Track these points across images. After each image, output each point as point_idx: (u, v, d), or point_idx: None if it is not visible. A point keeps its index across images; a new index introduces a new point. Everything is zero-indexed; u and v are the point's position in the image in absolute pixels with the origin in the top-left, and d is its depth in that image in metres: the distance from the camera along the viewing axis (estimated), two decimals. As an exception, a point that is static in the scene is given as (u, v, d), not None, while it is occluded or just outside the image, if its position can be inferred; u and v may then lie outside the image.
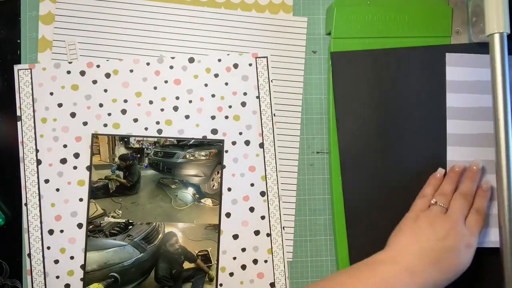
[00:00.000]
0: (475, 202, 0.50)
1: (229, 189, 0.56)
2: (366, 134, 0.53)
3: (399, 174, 0.53)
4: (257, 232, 0.56)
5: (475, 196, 0.51)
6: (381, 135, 0.53)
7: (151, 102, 0.56)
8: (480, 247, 0.50)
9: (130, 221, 0.55)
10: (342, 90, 0.53)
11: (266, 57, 0.57)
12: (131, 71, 0.56)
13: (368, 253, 0.47)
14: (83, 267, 0.54)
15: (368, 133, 0.53)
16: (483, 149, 0.53)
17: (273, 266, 0.56)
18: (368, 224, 0.53)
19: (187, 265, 0.55)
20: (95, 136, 0.55)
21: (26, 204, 0.54)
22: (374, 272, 0.43)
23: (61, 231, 0.54)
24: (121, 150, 0.55)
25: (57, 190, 0.54)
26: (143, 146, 0.55)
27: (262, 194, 0.56)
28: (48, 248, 0.54)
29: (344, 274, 0.44)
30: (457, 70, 0.53)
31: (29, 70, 0.55)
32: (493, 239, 0.52)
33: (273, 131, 0.57)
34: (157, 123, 0.56)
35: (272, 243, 0.56)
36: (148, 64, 0.56)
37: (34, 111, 0.54)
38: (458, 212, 0.48)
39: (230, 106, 0.56)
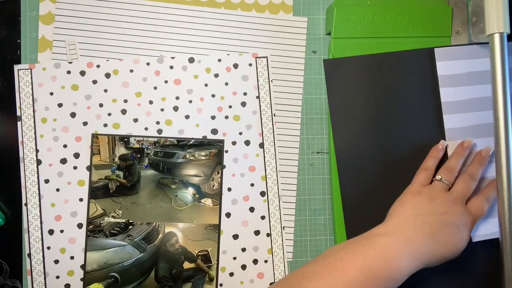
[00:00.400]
0: (487, 190, 0.50)
1: (229, 189, 0.56)
2: (362, 138, 0.53)
3: (397, 177, 0.53)
4: (257, 232, 0.56)
5: (487, 183, 0.51)
6: (377, 138, 0.53)
7: (151, 102, 0.56)
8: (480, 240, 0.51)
9: (130, 221, 0.55)
10: (336, 96, 0.53)
11: (266, 57, 0.57)
12: (131, 71, 0.56)
13: None
14: (83, 267, 0.54)
15: (364, 136, 0.53)
16: (483, 139, 0.53)
17: (273, 266, 0.56)
18: (367, 224, 0.53)
19: (187, 265, 0.55)
20: (95, 136, 0.55)
21: (26, 204, 0.54)
22: (373, 245, 0.43)
23: (61, 231, 0.54)
24: (121, 150, 0.55)
25: (57, 190, 0.54)
26: (143, 146, 0.55)
27: (262, 194, 0.56)
28: (48, 248, 0.54)
29: (343, 249, 0.44)
30: (448, 64, 0.53)
31: (29, 70, 0.55)
32: (491, 230, 0.52)
33: (273, 131, 0.57)
34: (157, 123, 0.56)
35: (272, 243, 0.56)
36: (148, 64, 0.56)
37: (34, 111, 0.54)
38: (461, 192, 0.48)
39: (230, 106, 0.56)
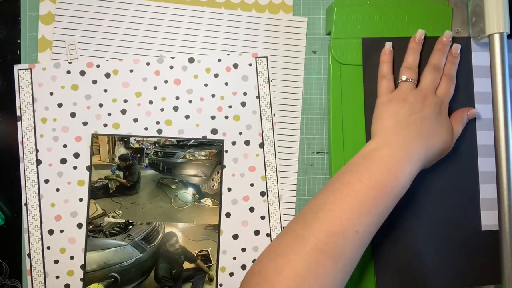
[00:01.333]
0: (445, 68, 0.52)
1: (229, 189, 0.56)
2: None
3: None
4: (257, 232, 0.56)
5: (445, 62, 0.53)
6: None
7: (151, 102, 0.56)
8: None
9: (130, 221, 0.55)
10: (372, 76, 0.53)
11: (266, 57, 0.57)
12: (131, 71, 0.56)
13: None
14: (83, 267, 0.54)
15: None
16: None
17: (273, 266, 0.56)
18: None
19: (187, 265, 0.55)
20: (95, 136, 0.55)
21: (26, 204, 0.54)
22: (372, 160, 0.44)
23: (61, 231, 0.54)
24: (121, 150, 0.55)
25: (57, 190, 0.54)
26: (143, 146, 0.55)
27: (262, 194, 0.56)
28: (48, 248, 0.54)
29: (345, 173, 0.45)
30: (483, 55, 0.54)
31: (29, 70, 0.55)
32: (488, 223, 0.53)
33: (273, 131, 0.57)
34: (157, 123, 0.56)
35: (272, 243, 0.56)
36: (148, 64, 0.56)
37: (34, 111, 0.54)
38: (430, 85, 0.50)
39: (230, 106, 0.56)
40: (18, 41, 0.55)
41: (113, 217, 0.55)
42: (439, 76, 0.51)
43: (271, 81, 0.57)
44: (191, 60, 0.56)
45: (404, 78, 0.50)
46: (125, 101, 0.55)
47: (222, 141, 0.56)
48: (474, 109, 0.53)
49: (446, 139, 0.49)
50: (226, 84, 0.56)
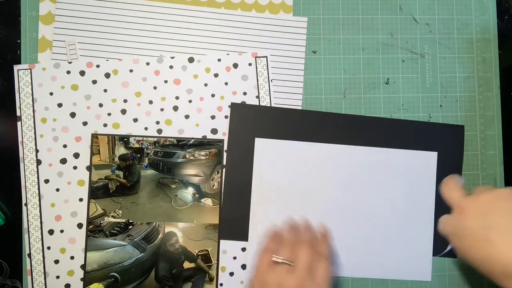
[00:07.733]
0: (320, 249, 0.47)
1: (229, 189, 0.56)
2: None
3: None
4: (257, 232, 0.56)
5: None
6: None
7: (151, 102, 0.56)
8: None
9: (130, 221, 0.55)
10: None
11: (266, 57, 0.57)
12: (131, 71, 0.56)
13: None
14: (83, 267, 0.54)
15: None
16: None
17: (273, 266, 0.56)
18: None
19: (187, 264, 0.55)
20: (95, 136, 0.55)
21: (26, 204, 0.54)
22: None
23: (61, 231, 0.54)
24: (121, 150, 0.55)
25: (57, 190, 0.54)
26: (143, 146, 0.55)
27: (262, 194, 0.56)
28: (48, 248, 0.54)
29: None
30: None
31: (29, 70, 0.55)
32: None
33: (273, 131, 0.56)
34: (157, 123, 0.56)
35: (272, 243, 0.56)
36: (148, 64, 0.56)
37: (34, 111, 0.54)
38: (304, 265, 0.45)
39: (230, 106, 0.56)
40: (18, 41, 0.55)
41: (113, 217, 0.55)
42: (313, 251, 0.46)
43: (271, 81, 0.57)
44: (191, 60, 0.56)
45: (280, 259, 0.45)
46: (125, 101, 0.55)
47: (222, 141, 0.56)
48: None
49: None
50: (226, 83, 0.56)
